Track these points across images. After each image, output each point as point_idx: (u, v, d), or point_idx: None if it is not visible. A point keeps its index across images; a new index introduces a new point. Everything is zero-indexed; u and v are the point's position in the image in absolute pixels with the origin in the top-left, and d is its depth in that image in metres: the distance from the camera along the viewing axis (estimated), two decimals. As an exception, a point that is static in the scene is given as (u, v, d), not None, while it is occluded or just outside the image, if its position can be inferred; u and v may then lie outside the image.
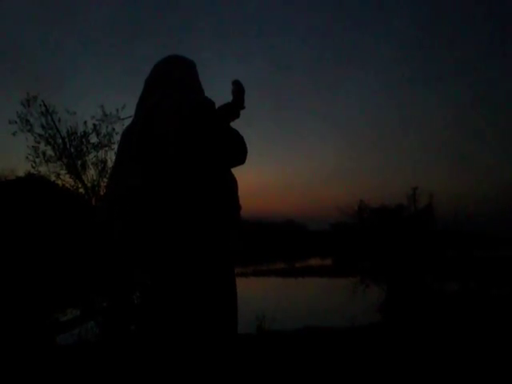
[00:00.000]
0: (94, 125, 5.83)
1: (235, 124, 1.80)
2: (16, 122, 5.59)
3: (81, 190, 5.81)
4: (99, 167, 5.76)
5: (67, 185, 5.88)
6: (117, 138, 5.75)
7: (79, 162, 5.74)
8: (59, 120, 5.77)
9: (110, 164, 5.74)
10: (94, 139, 5.92)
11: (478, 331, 7.05)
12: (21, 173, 6.38)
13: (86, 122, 5.83)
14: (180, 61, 1.84)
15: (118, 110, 5.86)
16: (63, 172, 5.84)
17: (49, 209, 5.51)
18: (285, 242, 41.03)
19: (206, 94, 1.85)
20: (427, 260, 11.22)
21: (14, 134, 5.60)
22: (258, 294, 12.73)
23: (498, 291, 10.20)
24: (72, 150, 5.83)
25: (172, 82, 1.75)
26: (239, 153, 1.72)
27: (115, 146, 7.12)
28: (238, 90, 1.76)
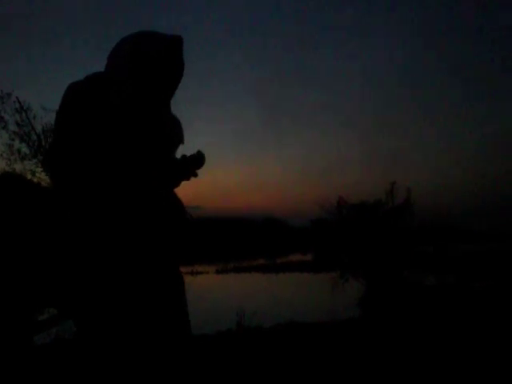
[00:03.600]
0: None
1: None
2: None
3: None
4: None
5: (43, 183, 5.79)
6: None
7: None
8: (34, 117, 5.68)
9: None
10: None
11: (456, 324, 7.21)
12: (-5, 171, 6.25)
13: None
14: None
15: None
16: (39, 170, 5.74)
17: (25, 207, 5.40)
18: (265, 238, 41.19)
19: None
20: (405, 254, 11.39)
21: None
22: (238, 290, 12.76)
23: (477, 285, 10.41)
24: (47, 146, 5.72)
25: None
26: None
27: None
28: (198, 163, 1.75)
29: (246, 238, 40.52)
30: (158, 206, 1.67)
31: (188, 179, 1.76)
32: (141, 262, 1.59)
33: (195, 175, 1.76)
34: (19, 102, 5.58)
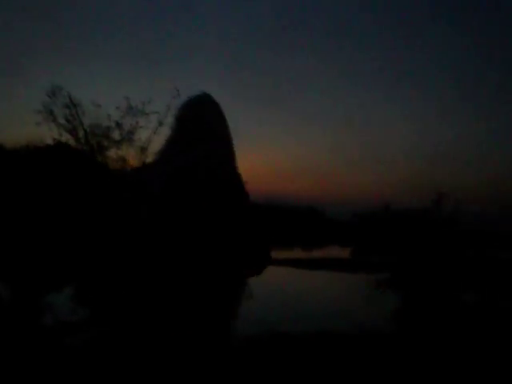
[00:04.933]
0: (117, 122, 5.77)
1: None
2: (40, 112, 5.56)
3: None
4: (119, 164, 5.72)
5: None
6: (140, 133, 5.59)
7: (100, 158, 5.70)
8: (83, 113, 5.72)
9: (129, 161, 5.70)
10: (116, 136, 5.87)
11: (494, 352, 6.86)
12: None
13: (109, 116, 5.78)
14: (212, 104, 1.98)
15: (143, 104, 5.79)
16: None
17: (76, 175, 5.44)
18: (304, 227, 40.93)
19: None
20: (449, 267, 10.99)
21: (37, 124, 5.58)
22: (270, 289, 12.69)
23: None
24: (93, 143, 5.78)
25: (209, 133, 1.89)
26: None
27: (136, 144, 7.21)
28: None
29: (283, 226, 40.48)
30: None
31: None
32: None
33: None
34: (69, 97, 5.62)
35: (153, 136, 10.64)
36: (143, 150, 10.43)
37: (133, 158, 9.90)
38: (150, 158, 10.94)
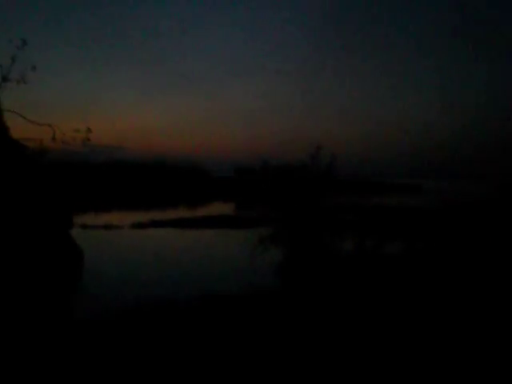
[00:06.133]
0: None
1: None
2: None
3: None
4: None
5: None
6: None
7: None
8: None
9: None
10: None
11: (372, 297, 7.15)
12: None
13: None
14: None
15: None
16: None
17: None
18: (187, 185, 40.31)
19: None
20: (326, 219, 11.28)
21: None
22: (152, 252, 12.05)
23: (391, 249, 10.57)
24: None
25: None
26: None
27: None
28: None
29: (167, 185, 39.45)
30: None
31: None
32: None
33: None
34: None
35: None
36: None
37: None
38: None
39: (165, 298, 7.29)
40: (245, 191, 34.04)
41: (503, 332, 5.35)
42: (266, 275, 9.24)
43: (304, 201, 11.32)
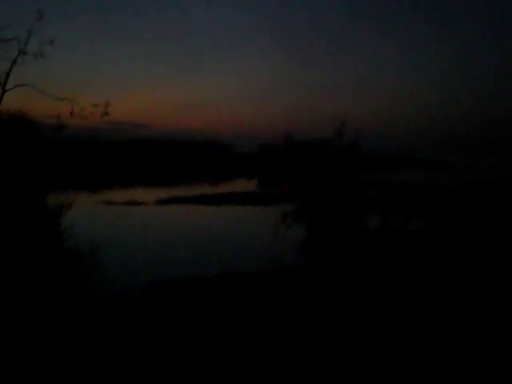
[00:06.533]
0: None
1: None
2: None
3: None
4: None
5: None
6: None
7: None
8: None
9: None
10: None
11: (397, 275, 7.03)
12: None
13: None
14: None
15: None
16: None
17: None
18: (209, 162, 40.20)
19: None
20: (350, 196, 11.08)
21: None
22: (175, 229, 12.10)
23: (416, 227, 10.38)
24: None
25: None
26: None
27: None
28: None
29: (191, 162, 39.47)
30: None
31: None
32: None
33: None
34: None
35: (13, 67, 8.90)
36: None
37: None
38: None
39: (188, 275, 7.34)
40: (268, 168, 33.85)
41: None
42: (290, 252, 9.16)
43: (328, 177, 11.14)
